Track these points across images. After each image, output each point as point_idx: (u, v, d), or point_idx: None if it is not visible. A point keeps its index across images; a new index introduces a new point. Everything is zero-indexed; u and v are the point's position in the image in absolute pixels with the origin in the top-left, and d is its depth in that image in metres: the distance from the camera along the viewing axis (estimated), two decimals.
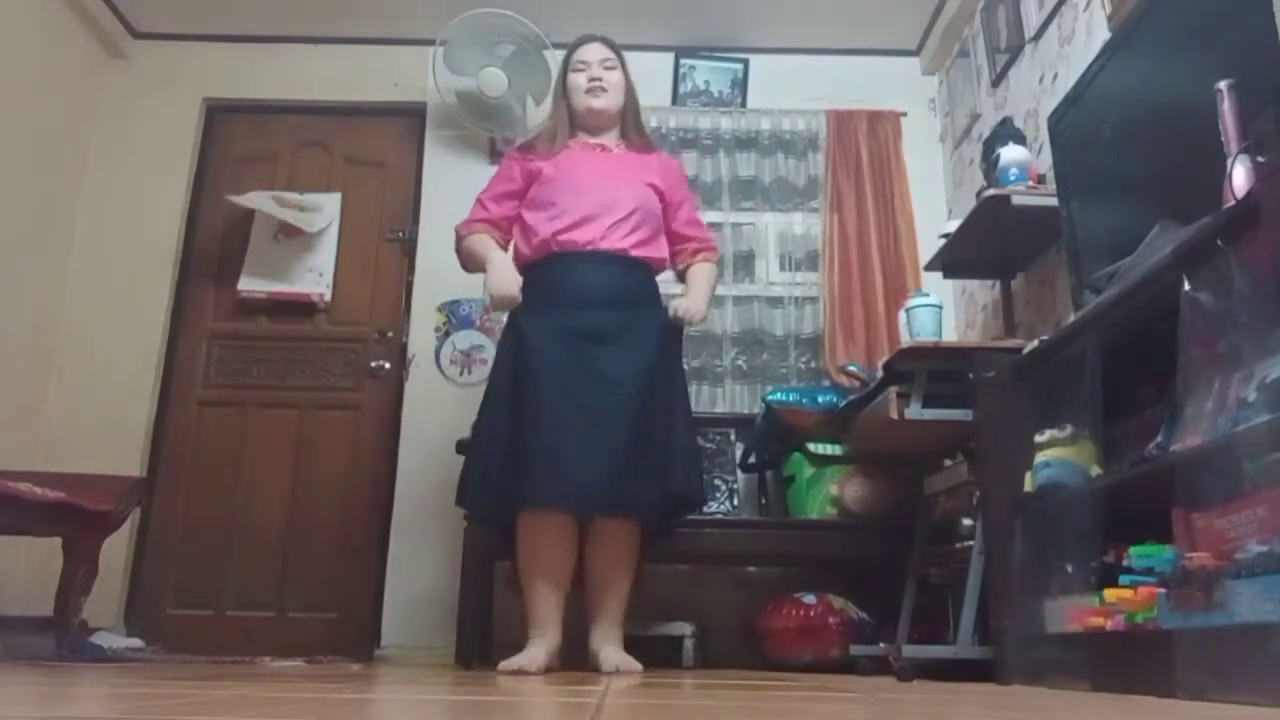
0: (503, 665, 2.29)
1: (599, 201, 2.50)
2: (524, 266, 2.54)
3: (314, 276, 3.67)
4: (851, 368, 3.10)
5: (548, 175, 2.56)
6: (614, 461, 2.31)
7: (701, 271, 2.66)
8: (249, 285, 3.64)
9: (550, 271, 2.48)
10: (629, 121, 2.69)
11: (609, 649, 2.38)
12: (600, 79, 2.62)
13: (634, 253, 2.51)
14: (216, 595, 3.39)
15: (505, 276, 2.47)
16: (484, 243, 2.58)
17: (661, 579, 3.24)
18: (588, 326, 2.41)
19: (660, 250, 2.61)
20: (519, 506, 2.37)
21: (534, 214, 2.54)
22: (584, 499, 2.32)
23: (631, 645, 2.46)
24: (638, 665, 2.35)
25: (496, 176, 2.70)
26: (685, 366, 3.52)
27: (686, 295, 2.59)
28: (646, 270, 2.56)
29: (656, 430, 2.40)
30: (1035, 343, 2.19)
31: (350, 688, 1.66)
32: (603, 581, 2.45)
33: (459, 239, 2.68)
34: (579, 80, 2.64)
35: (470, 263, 2.66)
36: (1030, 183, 2.63)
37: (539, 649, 2.32)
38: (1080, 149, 2.30)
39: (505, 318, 2.63)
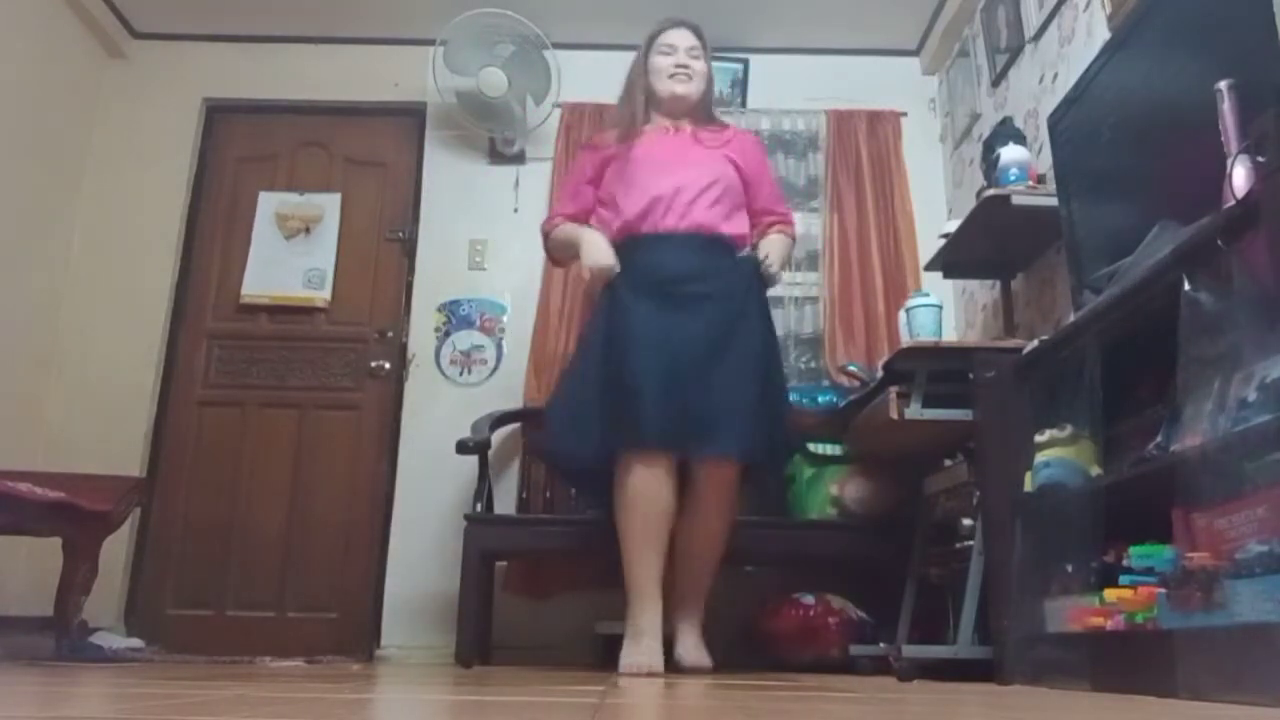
0: (625, 666, 2.23)
1: (679, 178, 2.50)
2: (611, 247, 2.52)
3: (316, 279, 3.67)
4: (851, 368, 3.10)
5: (623, 161, 2.55)
6: (709, 407, 2.29)
7: (775, 239, 2.61)
8: (252, 291, 3.66)
9: (635, 252, 2.47)
10: (703, 108, 2.70)
11: (686, 640, 2.35)
12: (686, 65, 2.63)
13: (717, 228, 2.49)
14: (216, 595, 3.39)
15: (601, 246, 2.46)
16: (572, 228, 2.58)
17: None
18: (677, 297, 2.41)
19: (741, 226, 2.58)
20: (619, 448, 2.31)
21: (614, 197, 2.55)
22: (682, 437, 2.28)
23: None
24: (709, 662, 2.33)
25: (571, 172, 2.74)
26: None
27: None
28: (727, 246, 2.53)
29: (751, 378, 2.38)
30: (1035, 343, 2.19)
31: (350, 688, 1.66)
32: (691, 548, 2.38)
33: (545, 237, 2.71)
34: (663, 63, 2.63)
35: (561, 252, 2.66)
36: (1030, 183, 2.63)
37: (650, 637, 2.26)
38: (1080, 149, 2.30)
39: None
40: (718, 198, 2.52)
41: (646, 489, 2.30)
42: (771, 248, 2.56)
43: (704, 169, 2.54)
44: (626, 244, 2.49)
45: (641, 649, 2.25)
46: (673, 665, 2.33)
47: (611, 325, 2.42)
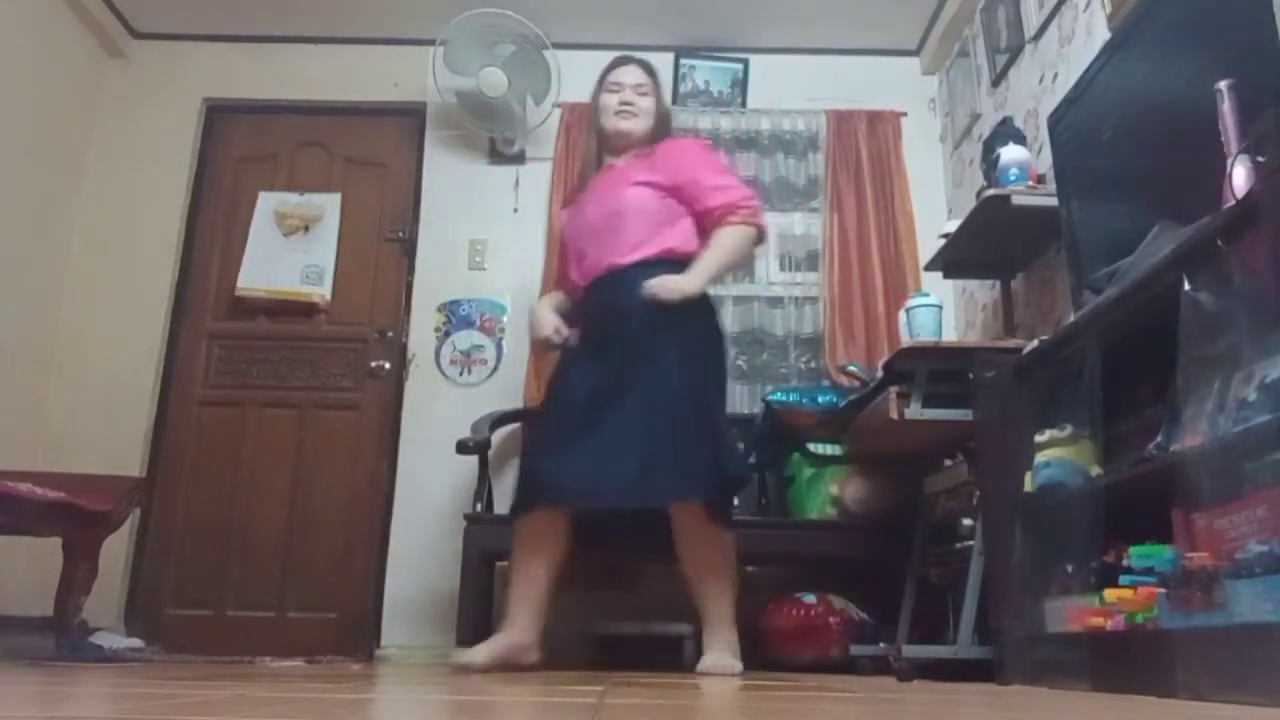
0: (453, 658, 2.35)
1: (595, 226, 2.53)
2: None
3: (314, 275, 3.67)
4: (851, 368, 3.10)
5: (568, 219, 2.68)
6: (627, 460, 2.25)
7: (716, 237, 2.47)
8: (248, 284, 3.65)
9: (577, 308, 2.60)
10: (651, 140, 2.66)
11: (711, 652, 2.37)
12: (631, 103, 2.62)
13: (628, 259, 2.45)
14: (216, 595, 3.39)
15: (540, 319, 2.60)
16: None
17: (661, 579, 3.23)
18: (602, 344, 2.44)
19: (668, 240, 2.48)
20: (516, 512, 2.42)
21: (567, 264, 2.68)
22: (578, 494, 2.29)
23: (632, 645, 2.46)
24: (736, 666, 2.32)
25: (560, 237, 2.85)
26: None
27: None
28: (653, 268, 2.44)
29: (668, 421, 2.31)
30: (1035, 343, 2.19)
31: (350, 688, 1.66)
32: (694, 582, 2.43)
33: None
34: (609, 101, 2.65)
35: None
36: (1030, 183, 2.63)
37: (491, 643, 2.32)
38: (1080, 149, 2.30)
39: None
40: (621, 228, 2.47)
41: (530, 542, 2.37)
42: (709, 250, 2.46)
43: (607, 205, 2.52)
44: (576, 304, 2.62)
45: (477, 649, 2.29)
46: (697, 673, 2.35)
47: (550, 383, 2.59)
